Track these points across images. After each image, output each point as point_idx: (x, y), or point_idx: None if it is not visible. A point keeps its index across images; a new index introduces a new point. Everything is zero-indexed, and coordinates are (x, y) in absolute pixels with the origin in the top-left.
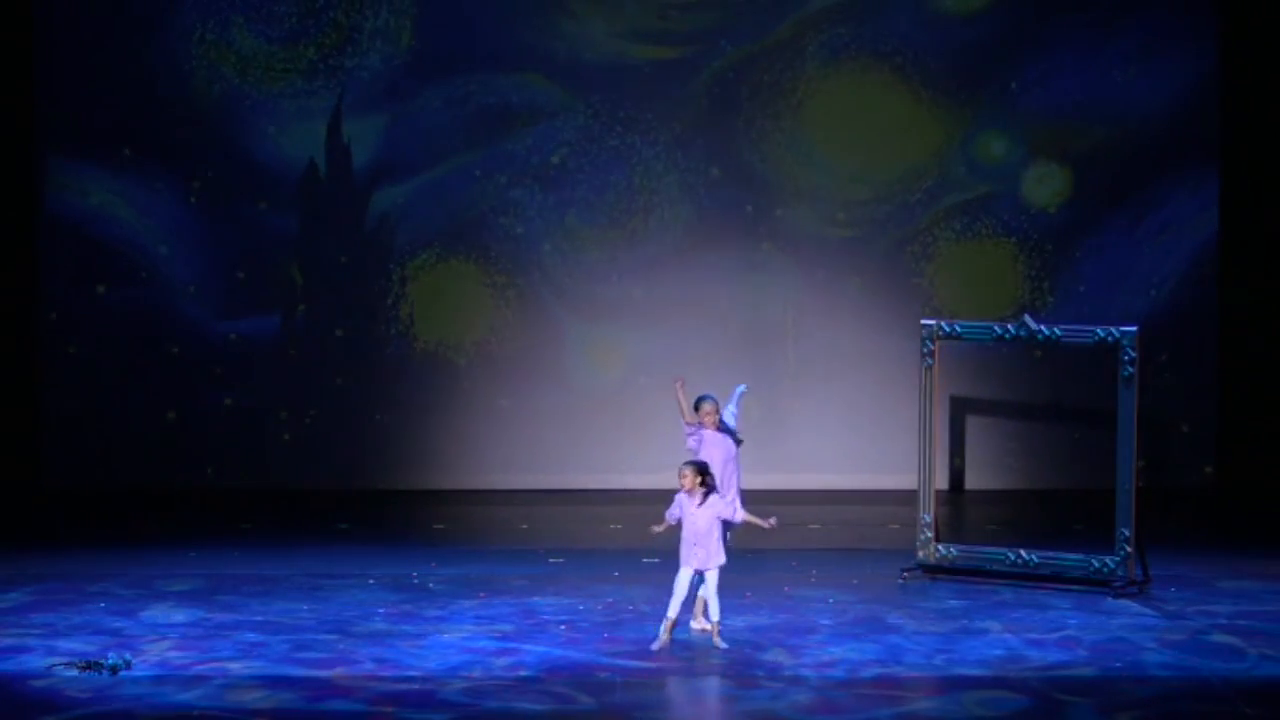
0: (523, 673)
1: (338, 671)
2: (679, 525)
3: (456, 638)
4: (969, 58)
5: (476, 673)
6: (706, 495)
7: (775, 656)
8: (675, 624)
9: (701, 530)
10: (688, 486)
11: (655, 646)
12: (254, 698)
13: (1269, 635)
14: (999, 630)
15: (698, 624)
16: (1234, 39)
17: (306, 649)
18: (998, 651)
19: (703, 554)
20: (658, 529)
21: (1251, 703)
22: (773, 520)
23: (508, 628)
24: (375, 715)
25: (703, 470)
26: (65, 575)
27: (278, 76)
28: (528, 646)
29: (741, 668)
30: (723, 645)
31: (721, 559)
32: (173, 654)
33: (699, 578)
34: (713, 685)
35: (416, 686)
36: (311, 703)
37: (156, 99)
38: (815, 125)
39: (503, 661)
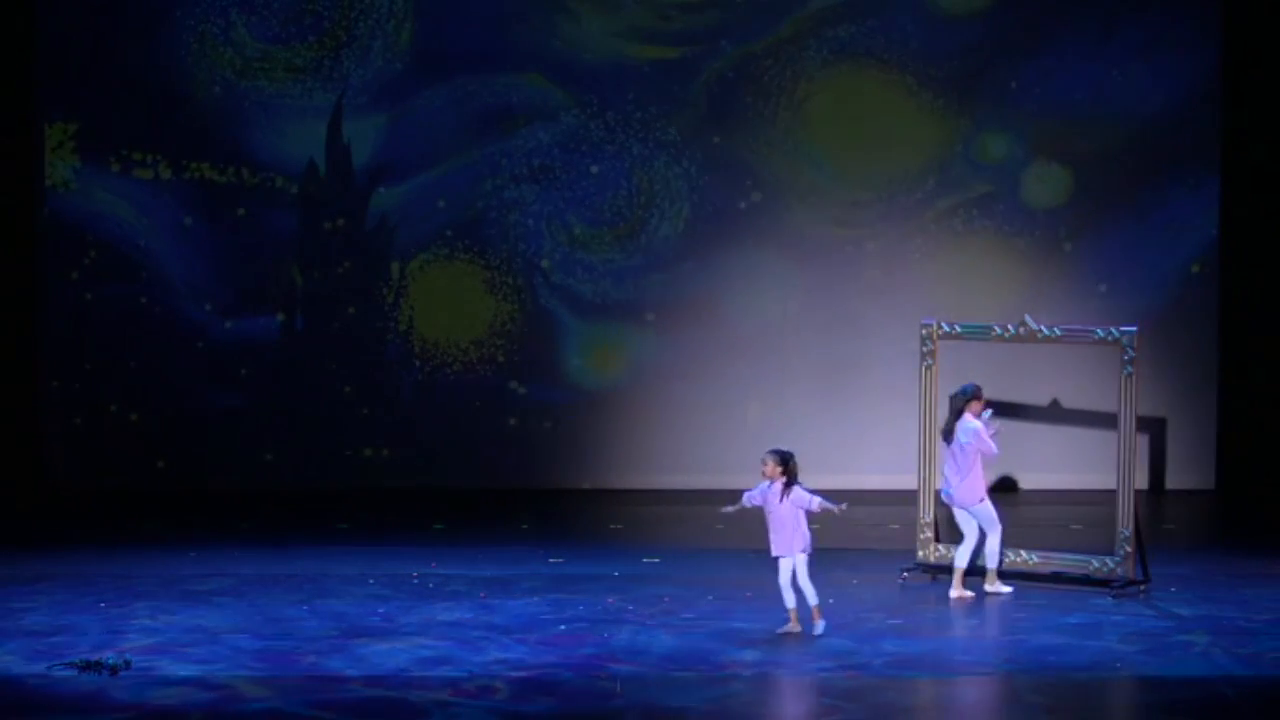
0: (523, 673)
1: (336, 672)
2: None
3: (455, 638)
4: (969, 58)
5: (474, 673)
6: (788, 485)
7: (774, 655)
8: (796, 615)
9: (781, 518)
10: (769, 475)
11: (781, 630)
12: (253, 698)
13: (1256, 635)
14: (996, 630)
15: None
16: (1235, 39)
17: (306, 650)
18: (991, 651)
19: (782, 541)
20: (730, 509)
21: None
22: (843, 505)
23: (507, 627)
24: (373, 714)
25: (784, 459)
26: (65, 575)
27: (278, 76)
28: (526, 646)
29: (739, 666)
30: (820, 629)
31: (803, 545)
32: (172, 654)
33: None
34: (707, 685)
35: (414, 688)
36: (311, 703)
37: (157, 99)
38: (815, 125)
39: (500, 661)
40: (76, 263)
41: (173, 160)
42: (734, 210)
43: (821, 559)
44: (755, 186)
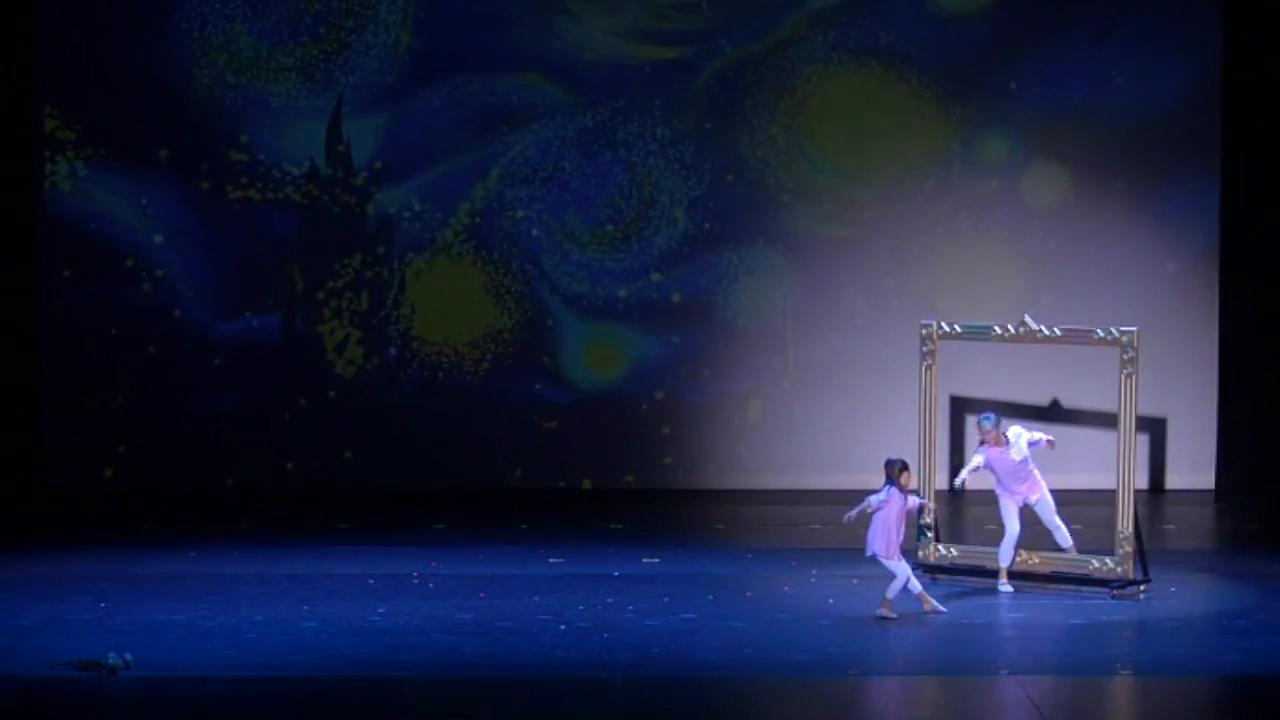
0: (522, 673)
1: (335, 672)
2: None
3: (455, 637)
4: (969, 58)
5: (475, 672)
6: (902, 491)
7: (774, 655)
8: (928, 603)
9: (879, 520)
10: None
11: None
12: (253, 697)
13: (1256, 635)
14: (996, 629)
15: (927, 605)
16: (1235, 38)
17: (306, 649)
18: (991, 651)
19: (875, 541)
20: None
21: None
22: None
23: (507, 627)
24: (372, 713)
25: (888, 467)
26: (65, 575)
27: (278, 77)
28: (527, 646)
29: (739, 667)
30: (880, 614)
31: (885, 550)
32: (172, 654)
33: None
34: (706, 685)
35: (413, 687)
36: (311, 702)
37: (157, 99)
38: (815, 125)
39: (501, 660)
40: (76, 262)
41: (173, 160)
42: (734, 210)
43: (822, 559)
44: (755, 186)
